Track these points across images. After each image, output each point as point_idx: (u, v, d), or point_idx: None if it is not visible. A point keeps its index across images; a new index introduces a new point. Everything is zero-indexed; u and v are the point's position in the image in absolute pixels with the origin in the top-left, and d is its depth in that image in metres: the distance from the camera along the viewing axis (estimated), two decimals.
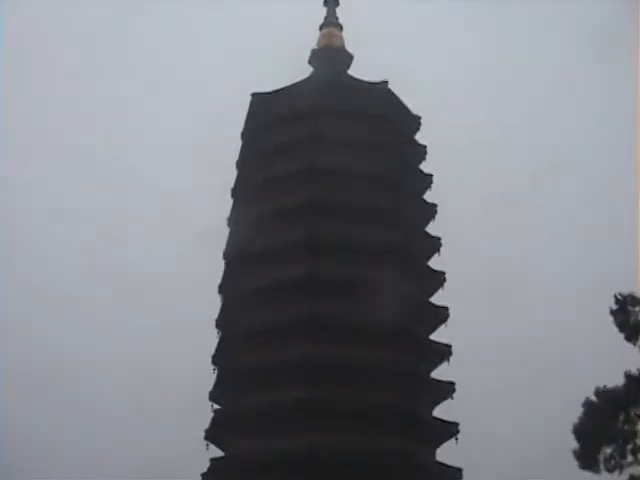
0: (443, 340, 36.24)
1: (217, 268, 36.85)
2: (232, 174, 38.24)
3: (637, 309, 32.57)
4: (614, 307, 32.32)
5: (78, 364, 62.17)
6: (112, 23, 67.59)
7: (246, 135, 37.96)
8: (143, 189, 64.00)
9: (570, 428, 27.51)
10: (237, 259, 36.07)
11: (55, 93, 69.79)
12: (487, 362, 48.73)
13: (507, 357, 50.36)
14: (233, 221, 37.40)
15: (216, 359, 35.65)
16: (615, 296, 32.26)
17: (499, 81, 59.99)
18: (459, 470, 34.54)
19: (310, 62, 39.84)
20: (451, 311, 36.26)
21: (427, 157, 38.52)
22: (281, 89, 37.83)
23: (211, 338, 36.21)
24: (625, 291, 28.11)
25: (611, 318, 29.31)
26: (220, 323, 36.30)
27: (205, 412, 35.49)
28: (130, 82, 69.55)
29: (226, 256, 36.72)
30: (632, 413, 31.21)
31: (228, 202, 38.02)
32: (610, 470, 30.52)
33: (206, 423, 35.29)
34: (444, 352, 35.80)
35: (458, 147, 38.53)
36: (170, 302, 57.51)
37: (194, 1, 58.52)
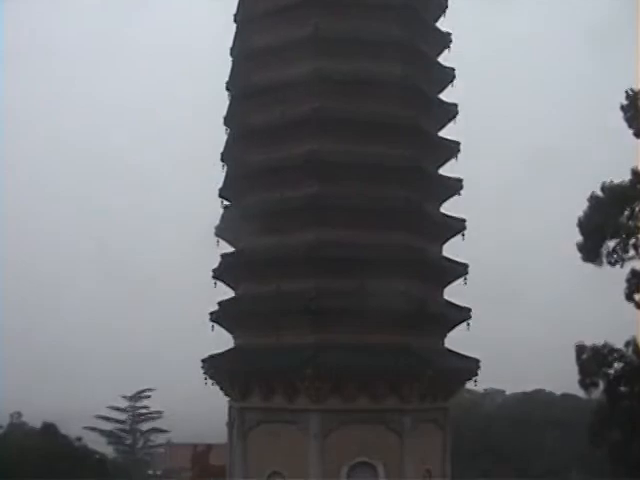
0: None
1: None
2: None
3: None
4: (624, 102, 33.25)
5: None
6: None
7: None
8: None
9: None
10: (243, 56, 36.39)
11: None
12: None
13: None
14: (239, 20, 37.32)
15: (224, 157, 36.82)
16: (626, 91, 33.07)
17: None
18: (464, 265, 36.45)
19: None
20: None
21: None
22: None
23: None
24: None
25: None
26: (227, 121, 37.12)
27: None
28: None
29: (233, 54, 37.09)
30: (637, 209, 32.83)
31: None
32: (612, 264, 32.59)
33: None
34: (452, 149, 36.82)
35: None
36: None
37: None
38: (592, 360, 30.81)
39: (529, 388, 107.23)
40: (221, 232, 37.20)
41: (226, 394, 37.34)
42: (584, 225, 32.51)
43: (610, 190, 32.56)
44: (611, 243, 32.16)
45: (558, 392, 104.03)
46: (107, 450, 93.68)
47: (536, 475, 74.33)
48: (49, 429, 59.07)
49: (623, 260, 32.35)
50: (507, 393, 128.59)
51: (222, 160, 37.03)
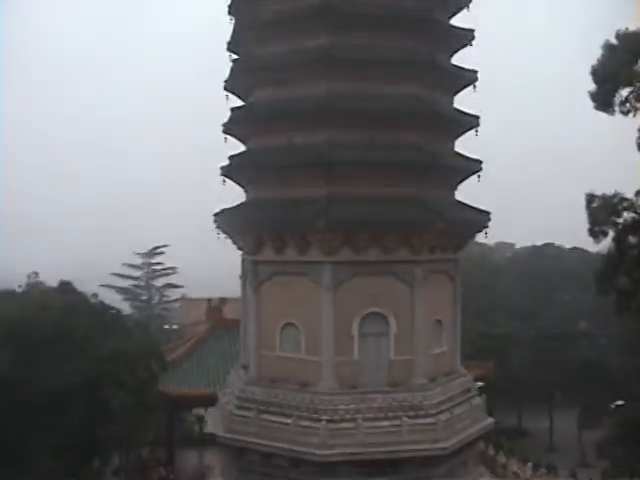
0: None
1: None
2: None
3: None
4: None
5: None
6: None
7: None
8: None
9: None
10: None
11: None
12: None
13: None
14: None
15: (231, 10, 36.13)
16: None
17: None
18: (476, 117, 36.26)
19: None
20: None
21: None
22: None
23: None
24: None
25: None
26: None
27: None
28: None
29: None
30: None
31: None
32: (624, 113, 32.27)
33: None
34: None
35: None
36: None
37: None
38: (602, 209, 30.85)
39: (539, 241, 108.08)
40: (231, 85, 36.95)
41: (239, 248, 37.91)
42: (598, 73, 31.95)
43: (625, 38, 31.89)
44: (624, 92, 31.68)
45: (568, 245, 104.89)
46: (123, 306, 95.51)
47: (545, 326, 75.78)
48: (65, 287, 60.04)
49: (636, 109, 31.94)
50: (517, 246, 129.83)
51: (229, 13, 36.45)
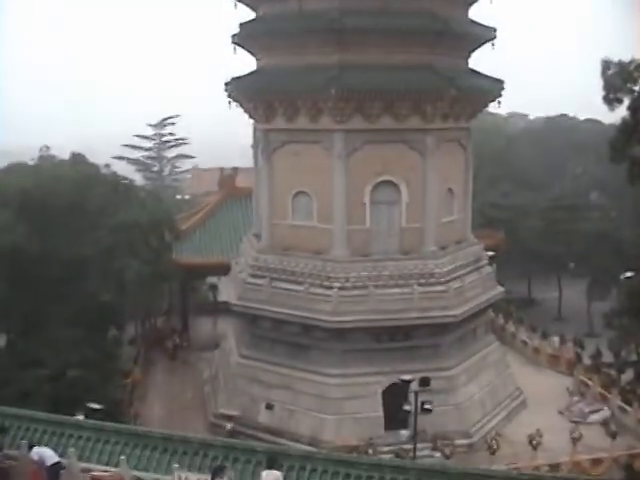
0: None
1: None
2: None
3: None
4: None
5: None
6: None
7: None
8: None
9: None
10: None
11: None
12: None
13: None
14: None
15: None
16: None
17: None
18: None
19: None
20: None
21: None
22: None
23: None
24: None
25: None
26: None
27: None
28: None
29: None
30: None
31: None
32: None
33: None
34: None
35: None
36: None
37: None
38: (617, 75, 30.06)
39: (552, 112, 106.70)
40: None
41: (250, 117, 37.70)
42: None
43: None
44: None
45: (581, 117, 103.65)
46: (136, 177, 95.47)
47: (557, 197, 75.56)
48: (78, 159, 59.75)
49: None
50: (530, 117, 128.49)
51: None
